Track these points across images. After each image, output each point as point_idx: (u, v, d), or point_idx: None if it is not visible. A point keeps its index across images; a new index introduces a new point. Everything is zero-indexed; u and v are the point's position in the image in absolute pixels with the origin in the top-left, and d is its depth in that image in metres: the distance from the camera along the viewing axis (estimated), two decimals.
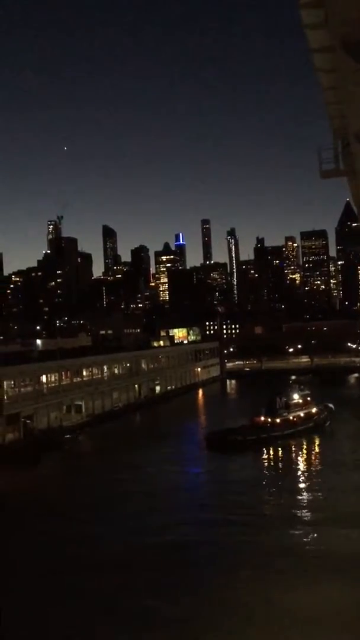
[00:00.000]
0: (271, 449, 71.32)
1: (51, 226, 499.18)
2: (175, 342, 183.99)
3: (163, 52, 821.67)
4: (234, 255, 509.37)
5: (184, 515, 47.65)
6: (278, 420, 77.25)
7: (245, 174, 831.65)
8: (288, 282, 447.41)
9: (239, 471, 61.82)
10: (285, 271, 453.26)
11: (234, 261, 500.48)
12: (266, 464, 67.47)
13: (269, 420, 77.08)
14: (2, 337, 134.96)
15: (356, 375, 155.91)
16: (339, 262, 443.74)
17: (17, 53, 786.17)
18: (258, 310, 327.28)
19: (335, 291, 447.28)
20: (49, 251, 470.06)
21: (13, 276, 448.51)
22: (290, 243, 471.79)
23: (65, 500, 54.11)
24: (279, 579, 34.30)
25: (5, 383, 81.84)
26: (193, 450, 74.22)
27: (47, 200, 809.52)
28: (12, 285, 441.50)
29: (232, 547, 39.89)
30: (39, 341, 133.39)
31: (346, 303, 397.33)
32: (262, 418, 77.61)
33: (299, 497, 52.41)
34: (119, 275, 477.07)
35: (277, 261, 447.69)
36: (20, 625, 30.08)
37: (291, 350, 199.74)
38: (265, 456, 69.45)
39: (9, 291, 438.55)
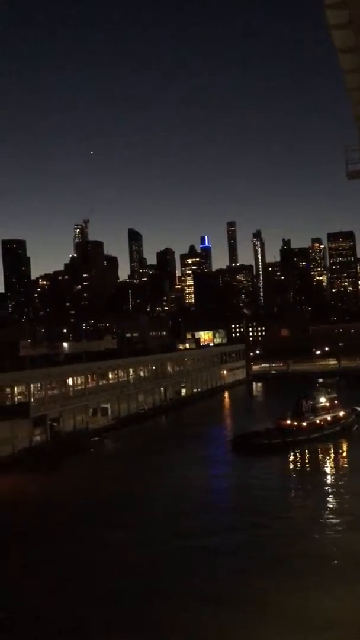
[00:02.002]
0: (297, 452, 70.68)
1: (77, 230, 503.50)
2: (201, 344, 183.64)
3: (189, 53, 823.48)
4: (259, 257, 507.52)
5: (208, 520, 47.42)
6: (304, 424, 76.53)
7: (271, 175, 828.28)
8: (315, 284, 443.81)
9: (265, 475, 61.32)
10: (312, 273, 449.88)
11: (260, 263, 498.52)
12: (292, 467, 66.90)
13: (295, 423, 76.42)
14: (29, 340, 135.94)
15: None
16: None
17: (44, 54, 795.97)
18: (284, 313, 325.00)
19: None
20: (75, 255, 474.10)
21: (40, 280, 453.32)
22: (317, 245, 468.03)
23: (92, 505, 54.19)
24: (300, 582, 33.92)
25: (32, 386, 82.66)
26: (219, 453, 73.94)
27: (74, 204, 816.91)
28: (39, 289, 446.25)
29: (256, 550, 39.61)
30: (65, 344, 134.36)
31: None
32: (288, 421, 76.97)
33: (325, 501, 51.77)
34: (145, 278, 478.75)
35: (304, 263, 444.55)
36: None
37: (318, 352, 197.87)
38: (291, 460, 68.86)
39: (36, 295, 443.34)
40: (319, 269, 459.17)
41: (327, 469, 64.55)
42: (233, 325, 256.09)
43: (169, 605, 32.17)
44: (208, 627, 29.94)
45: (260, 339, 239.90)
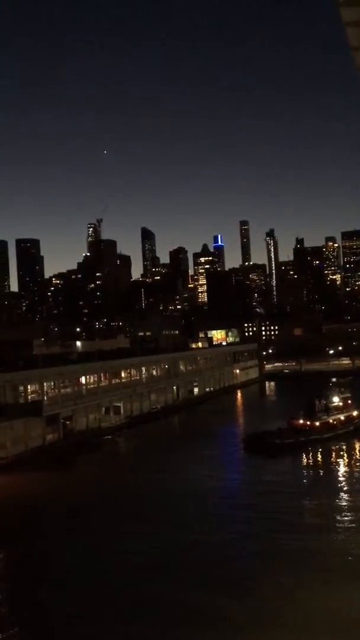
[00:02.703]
0: (310, 452, 70.36)
1: (91, 229, 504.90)
2: (214, 343, 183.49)
3: (201, 54, 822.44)
4: (272, 256, 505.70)
5: (221, 520, 47.38)
6: (317, 424, 76.16)
7: (285, 174, 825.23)
8: (328, 282, 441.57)
9: (277, 474, 61.09)
10: (326, 272, 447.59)
11: (273, 262, 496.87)
12: (305, 467, 66.58)
13: (308, 423, 76.07)
14: (42, 339, 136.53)
15: None
16: None
17: (57, 50, 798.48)
18: (297, 312, 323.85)
19: None
20: (88, 254, 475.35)
21: (53, 279, 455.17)
22: (331, 243, 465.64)
23: (105, 505, 54.30)
24: (314, 582, 33.79)
25: (45, 384, 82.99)
26: (231, 453, 73.80)
27: (87, 203, 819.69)
28: (52, 288, 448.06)
29: (269, 549, 39.50)
30: (78, 343, 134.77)
31: None
32: (301, 421, 76.64)
33: (338, 501, 51.48)
34: (158, 277, 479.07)
35: (317, 262, 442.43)
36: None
37: (331, 352, 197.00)
38: (303, 460, 68.56)
39: (49, 293, 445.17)
40: (332, 268, 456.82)
41: (340, 469, 64.16)
42: (246, 325, 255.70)
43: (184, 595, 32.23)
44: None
45: (273, 338, 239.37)
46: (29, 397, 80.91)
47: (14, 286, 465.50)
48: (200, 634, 29.24)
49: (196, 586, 34.56)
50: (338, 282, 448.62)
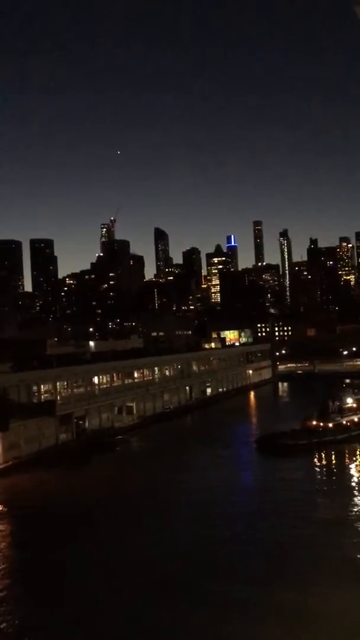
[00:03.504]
0: (323, 453, 69.99)
1: (104, 229, 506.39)
2: (227, 344, 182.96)
3: (213, 55, 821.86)
4: (286, 256, 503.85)
5: (234, 521, 47.27)
6: (331, 425, 75.76)
7: (298, 174, 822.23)
8: (342, 283, 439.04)
9: (290, 475, 60.82)
10: (340, 272, 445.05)
11: (287, 262, 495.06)
12: (318, 469, 66.26)
13: (321, 424, 75.68)
14: (56, 339, 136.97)
15: None
16: None
17: (71, 54, 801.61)
18: (311, 312, 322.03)
19: None
20: (101, 254, 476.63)
21: (67, 279, 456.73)
22: (345, 244, 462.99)
23: (120, 505, 54.40)
24: (326, 586, 33.65)
25: (58, 384, 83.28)
26: (244, 454, 73.65)
27: (101, 204, 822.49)
28: (66, 288, 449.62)
29: (282, 550, 39.41)
30: (91, 343, 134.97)
31: None
32: (314, 422, 76.29)
33: (352, 502, 51.12)
34: (171, 277, 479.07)
35: (331, 262, 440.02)
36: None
37: (345, 352, 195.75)
38: (317, 461, 68.20)
39: (63, 293, 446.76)
40: (346, 269, 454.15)
41: (354, 470, 63.76)
42: (259, 325, 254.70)
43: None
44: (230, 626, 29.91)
45: (286, 338, 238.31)
46: (43, 397, 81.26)
47: (27, 286, 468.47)
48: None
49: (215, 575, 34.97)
50: (352, 283, 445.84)
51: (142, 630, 30.13)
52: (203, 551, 40.08)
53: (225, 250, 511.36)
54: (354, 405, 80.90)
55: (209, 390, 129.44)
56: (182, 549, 40.67)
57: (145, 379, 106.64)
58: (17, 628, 30.98)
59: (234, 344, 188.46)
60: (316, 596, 32.47)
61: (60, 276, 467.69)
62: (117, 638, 29.94)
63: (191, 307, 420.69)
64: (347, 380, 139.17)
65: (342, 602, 31.62)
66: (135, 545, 41.85)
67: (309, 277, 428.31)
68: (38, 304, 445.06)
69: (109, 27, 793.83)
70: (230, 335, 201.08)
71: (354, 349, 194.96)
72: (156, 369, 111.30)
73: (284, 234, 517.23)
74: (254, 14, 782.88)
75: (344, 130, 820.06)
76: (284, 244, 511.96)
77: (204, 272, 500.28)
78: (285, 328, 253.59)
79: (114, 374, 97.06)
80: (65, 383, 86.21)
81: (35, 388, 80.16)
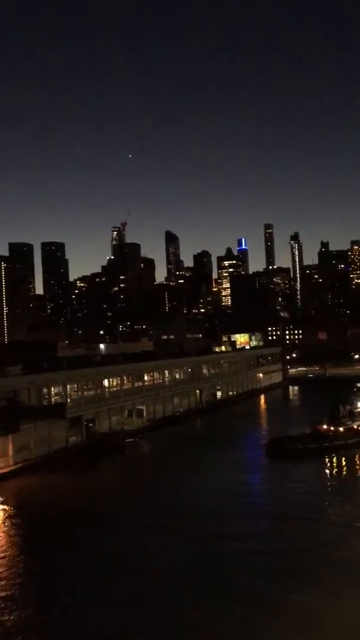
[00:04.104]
0: (334, 457, 69.56)
1: (115, 232, 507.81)
2: (237, 347, 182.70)
3: (225, 59, 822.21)
4: (297, 259, 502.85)
5: (244, 524, 47.12)
6: (341, 429, 75.27)
7: (309, 177, 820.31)
8: (353, 286, 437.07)
9: (301, 480, 60.45)
10: (351, 276, 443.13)
11: (298, 266, 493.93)
12: (328, 473, 65.86)
13: (332, 428, 75.23)
14: (66, 342, 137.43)
15: None
16: None
17: (84, 61, 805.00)
18: (322, 316, 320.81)
19: None
20: (112, 257, 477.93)
21: (78, 282, 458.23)
22: (356, 247, 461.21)
23: (129, 507, 54.37)
24: (337, 590, 33.44)
25: (68, 387, 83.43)
26: (254, 457, 73.29)
27: (112, 207, 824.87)
28: (76, 291, 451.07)
29: (291, 554, 39.22)
30: (102, 346, 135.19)
31: None
32: (325, 426, 75.80)
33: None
34: (182, 281, 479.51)
35: (342, 265, 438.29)
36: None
37: (356, 356, 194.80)
38: (327, 465, 67.80)
39: (73, 296, 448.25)
40: (358, 272, 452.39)
41: None
42: (270, 328, 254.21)
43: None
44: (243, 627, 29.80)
45: (297, 342, 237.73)
46: (53, 399, 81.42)
47: (39, 289, 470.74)
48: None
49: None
50: None
51: (150, 629, 30.11)
52: (210, 556, 39.90)
53: (236, 254, 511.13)
54: None
55: (219, 394, 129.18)
56: (189, 553, 40.51)
57: (155, 382, 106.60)
58: (22, 628, 31.01)
59: (244, 347, 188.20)
60: (326, 597, 32.36)
61: (71, 279, 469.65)
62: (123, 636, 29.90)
63: (202, 310, 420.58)
64: (358, 385, 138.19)
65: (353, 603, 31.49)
66: (142, 548, 41.70)
67: (320, 280, 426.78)
68: (49, 307, 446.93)
69: (126, 28, 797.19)
70: (241, 339, 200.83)
71: None
72: (166, 372, 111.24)
73: (295, 237, 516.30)
74: (269, 17, 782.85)
75: (356, 133, 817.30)
76: (295, 247, 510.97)
77: (214, 275, 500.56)
78: (296, 331, 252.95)
79: (124, 377, 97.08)
80: (76, 385, 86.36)
81: (45, 390, 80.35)
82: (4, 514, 52.88)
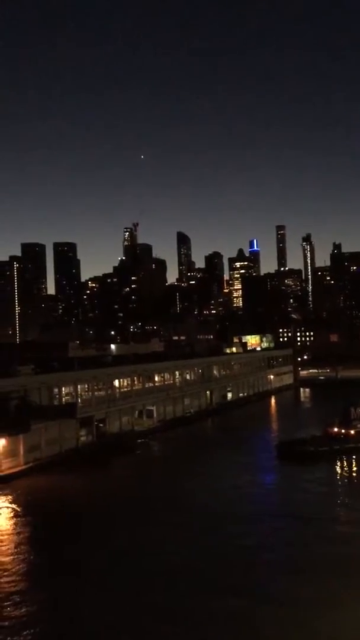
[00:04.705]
0: (345, 460, 69.21)
1: (127, 233, 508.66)
2: (248, 349, 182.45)
3: (237, 62, 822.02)
4: (309, 261, 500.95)
5: (255, 527, 47.00)
6: (352, 432, 74.88)
7: (322, 178, 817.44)
8: None
9: (311, 483, 60.18)
10: None
11: (310, 267, 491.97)
12: (339, 476, 65.51)
13: (343, 431, 74.88)
14: (78, 342, 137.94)
15: None
16: None
17: (97, 62, 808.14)
18: (334, 318, 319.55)
19: None
20: (124, 258, 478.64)
21: (89, 282, 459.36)
22: None
23: (139, 508, 54.44)
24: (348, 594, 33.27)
25: (79, 387, 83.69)
26: (264, 460, 73.09)
27: (123, 208, 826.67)
28: (88, 291, 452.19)
29: (302, 558, 39.09)
30: (113, 346, 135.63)
31: None
32: (336, 429, 75.51)
33: None
34: (193, 282, 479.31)
35: (355, 267, 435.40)
36: None
37: None
38: (338, 468, 67.46)
39: (85, 297, 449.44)
40: None
41: None
42: (281, 330, 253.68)
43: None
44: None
45: (308, 344, 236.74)
46: (64, 399, 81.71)
47: (51, 289, 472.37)
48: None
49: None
50: None
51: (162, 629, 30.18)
52: (220, 557, 39.90)
53: (247, 255, 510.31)
54: None
55: (229, 395, 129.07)
56: (199, 553, 40.53)
57: (166, 382, 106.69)
58: (31, 625, 31.12)
59: (255, 348, 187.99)
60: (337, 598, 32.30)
61: (83, 279, 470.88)
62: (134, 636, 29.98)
63: (213, 311, 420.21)
64: None
65: None
66: (151, 549, 41.77)
67: (332, 282, 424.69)
68: (61, 307, 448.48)
69: (138, 29, 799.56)
70: (252, 340, 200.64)
71: None
72: (177, 372, 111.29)
73: (307, 239, 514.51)
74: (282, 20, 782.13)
75: None
76: (307, 249, 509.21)
77: (226, 276, 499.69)
78: (308, 333, 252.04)
79: (135, 378, 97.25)
80: (86, 386, 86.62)
81: (56, 390, 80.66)
82: (15, 513, 53.14)
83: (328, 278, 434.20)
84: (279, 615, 31.29)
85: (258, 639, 29.60)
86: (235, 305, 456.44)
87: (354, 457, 70.08)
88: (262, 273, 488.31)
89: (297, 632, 29.74)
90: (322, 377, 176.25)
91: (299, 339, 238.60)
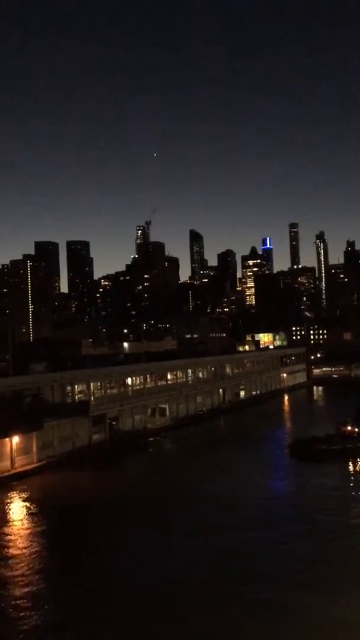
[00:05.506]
0: (358, 459, 68.67)
1: (140, 231, 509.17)
2: (261, 347, 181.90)
3: (252, 58, 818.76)
4: (322, 259, 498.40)
5: (269, 526, 46.82)
6: None
7: (335, 176, 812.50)
8: None
9: (324, 481, 59.82)
10: None
11: (323, 265, 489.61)
12: (353, 474, 65.05)
13: (356, 429, 74.35)
14: (90, 340, 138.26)
15: None
16: None
17: (108, 64, 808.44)
18: (347, 316, 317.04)
19: None
20: (137, 256, 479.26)
21: (102, 280, 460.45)
22: None
23: (151, 505, 54.46)
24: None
25: (92, 385, 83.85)
26: (277, 458, 72.85)
27: (136, 206, 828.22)
28: (101, 289, 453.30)
29: (317, 556, 38.93)
30: (125, 344, 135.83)
31: None
32: (349, 427, 74.98)
33: None
34: (206, 280, 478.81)
35: None
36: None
37: None
38: (351, 467, 66.99)
39: (98, 295, 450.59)
40: None
41: None
42: (294, 328, 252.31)
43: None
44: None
45: (321, 342, 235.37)
46: (77, 397, 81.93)
47: (64, 287, 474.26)
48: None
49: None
50: None
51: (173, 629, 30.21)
52: (232, 555, 39.83)
53: (260, 253, 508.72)
54: None
55: (242, 393, 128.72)
56: (211, 552, 40.49)
57: (178, 380, 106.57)
58: (45, 625, 31.18)
59: (268, 347, 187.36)
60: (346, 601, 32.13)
61: (95, 277, 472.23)
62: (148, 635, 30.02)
63: (225, 309, 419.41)
64: None
65: None
66: (164, 545, 41.85)
67: (346, 280, 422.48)
68: (74, 305, 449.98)
69: (149, 24, 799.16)
70: (265, 338, 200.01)
71: None
72: (190, 371, 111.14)
73: (320, 237, 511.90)
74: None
75: None
76: (320, 247, 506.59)
77: (239, 274, 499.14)
78: (321, 331, 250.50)
79: (148, 376, 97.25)
80: (99, 384, 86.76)
81: (69, 388, 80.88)
82: (28, 510, 53.39)
83: (342, 276, 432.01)
84: (305, 601, 31.87)
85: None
86: (248, 303, 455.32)
87: None
88: (275, 271, 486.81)
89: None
90: (335, 376, 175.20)
91: (312, 337, 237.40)
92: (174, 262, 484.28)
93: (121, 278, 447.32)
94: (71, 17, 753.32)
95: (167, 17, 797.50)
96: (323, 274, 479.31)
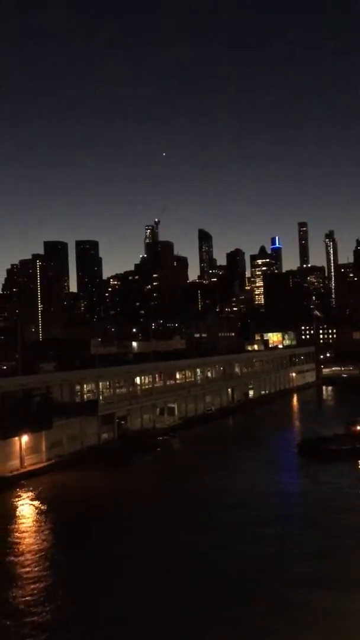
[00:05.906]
0: None
1: (148, 231, 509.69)
2: (270, 346, 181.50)
3: (256, 64, 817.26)
4: (332, 258, 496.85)
5: (278, 526, 46.73)
6: None
7: (344, 174, 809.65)
8: None
9: (334, 482, 59.59)
10: None
11: (332, 264, 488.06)
12: None
13: None
14: (99, 339, 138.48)
15: None
16: None
17: (116, 62, 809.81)
18: (357, 315, 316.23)
19: None
20: (146, 255, 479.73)
21: (111, 280, 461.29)
22: None
23: (160, 504, 54.51)
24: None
25: (101, 384, 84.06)
26: (286, 458, 72.70)
27: (145, 205, 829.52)
28: (110, 289, 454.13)
29: (327, 557, 38.81)
30: (134, 344, 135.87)
31: None
32: (359, 427, 74.77)
33: None
34: (214, 279, 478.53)
35: None
36: None
37: None
38: None
39: (107, 294, 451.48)
40: None
41: None
42: (303, 327, 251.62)
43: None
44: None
45: (331, 341, 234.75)
46: (85, 396, 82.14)
47: (73, 287, 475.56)
48: None
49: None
50: None
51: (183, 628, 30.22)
52: (241, 555, 39.81)
53: (269, 252, 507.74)
54: None
55: (251, 393, 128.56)
56: (219, 551, 40.50)
57: (187, 380, 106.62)
58: (54, 623, 31.28)
59: (277, 346, 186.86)
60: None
61: (104, 277, 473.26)
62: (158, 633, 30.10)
63: (234, 308, 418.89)
64: None
65: None
66: (173, 543, 41.87)
67: (355, 279, 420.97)
68: (83, 305, 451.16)
69: (158, 22, 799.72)
70: (274, 338, 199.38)
71: None
72: (198, 370, 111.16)
73: (329, 236, 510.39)
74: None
75: None
76: (329, 246, 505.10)
77: (247, 273, 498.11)
78: (330, 331, 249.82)
79: (156, 375, 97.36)
80: (108, 383, 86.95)
81: (78, 387, 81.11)
82: (37, 508, 53.63)
83: (351, 275, 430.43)
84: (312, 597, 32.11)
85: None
86: (257, 302, 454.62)
87: None
88: (284, 270, 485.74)
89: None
90: (345, 375, 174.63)
91: (321, 336, 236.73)
92: (183, 262, 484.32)
93: (130, 277, 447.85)
94: (71, 17, 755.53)
95: (167, 17, 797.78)
96: (332, 273, 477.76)
